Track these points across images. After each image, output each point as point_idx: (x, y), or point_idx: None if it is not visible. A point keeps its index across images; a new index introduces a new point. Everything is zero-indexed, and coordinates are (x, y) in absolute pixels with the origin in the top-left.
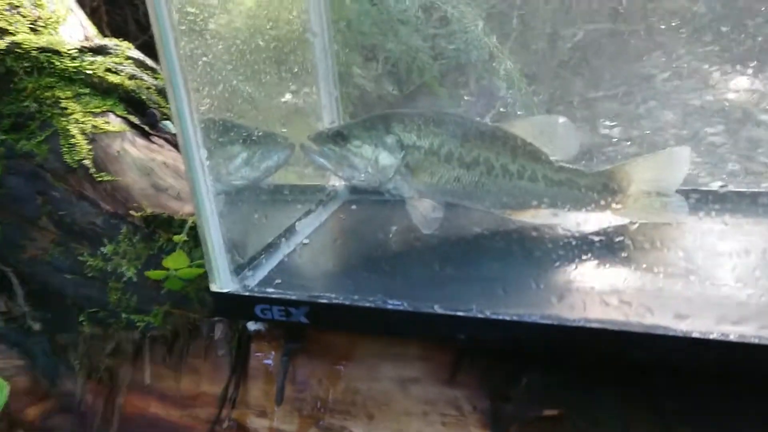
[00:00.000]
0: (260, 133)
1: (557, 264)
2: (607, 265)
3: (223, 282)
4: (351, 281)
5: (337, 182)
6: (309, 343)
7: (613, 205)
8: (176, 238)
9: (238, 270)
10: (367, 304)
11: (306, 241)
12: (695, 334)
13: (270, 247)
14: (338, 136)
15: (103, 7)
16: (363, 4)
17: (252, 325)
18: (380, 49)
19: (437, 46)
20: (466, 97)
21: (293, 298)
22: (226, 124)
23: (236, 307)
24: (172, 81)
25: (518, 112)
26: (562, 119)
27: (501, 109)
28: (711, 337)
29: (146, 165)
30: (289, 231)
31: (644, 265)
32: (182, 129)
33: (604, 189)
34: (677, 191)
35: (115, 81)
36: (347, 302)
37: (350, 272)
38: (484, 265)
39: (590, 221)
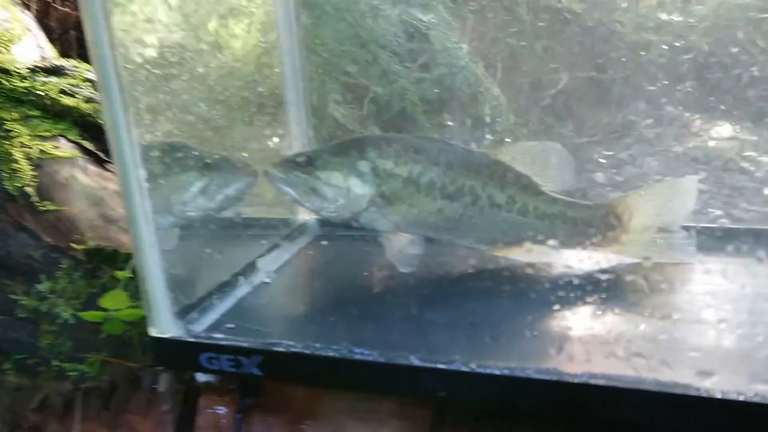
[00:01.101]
0: (218, 159)
1: (552, 308)
2: (612, 310)
3: (163, 326)
4: (315, 326)
5: (307, 215)
6: (267, 397)
7: (613, 242)
8: (119, 274)
9: (182, 312)
10: (331, 354)
11: (268, 280)
12: (723, 395)
13: (225, 287)
14: (306, 163)
15: (73, 33)
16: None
17: (201, 377)
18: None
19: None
20: (449, 123)
21: (245, 345)
22: (178, 148)
23: (179, 355)
24: (106, 91)
25: (506, 140)
26: (556, 146)
27: (488, 136)
28: (742, 398)
29: (96, 194)
30: (249, 269)
31: (653, 310)
32: (116, 145)
33: (602, 223)
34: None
35: (69, 104)
36: (307, 351)
37: (315, 316)
38: (468, 309)
39: (587, 259)
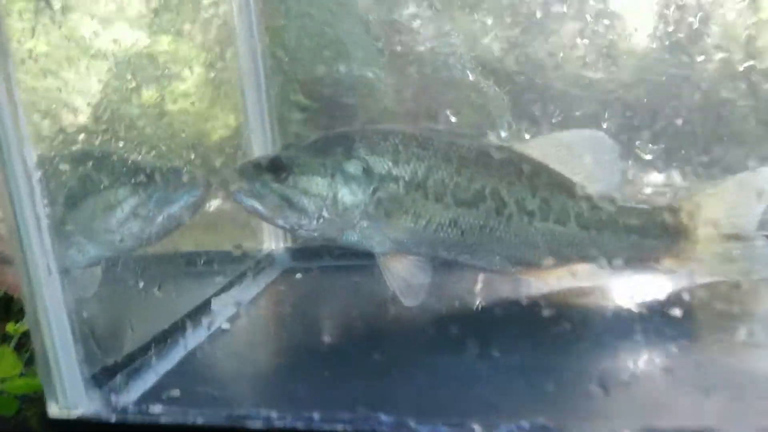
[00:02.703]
0: (156, 170)
1: (622, 363)
2: (694, 356)
3: (70, 400)
4: (298, 389)
5: (274, 243)
6: None
7: (678, 257)
8: (11, 327)
9: (101, 377)
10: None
11: (226, 326)
12: None
13: (167, 338)
14: (276, 167)
15: None
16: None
17: None
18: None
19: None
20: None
21: (196, 421)
22: (100, 158)
23: None
24: None
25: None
26: (598, 134)
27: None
28: None
29: None
30: (200, 313)
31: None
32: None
33: (663, 232)
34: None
35: None
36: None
37: (288, 374)
38: (491, 358)
39: (644, 281)
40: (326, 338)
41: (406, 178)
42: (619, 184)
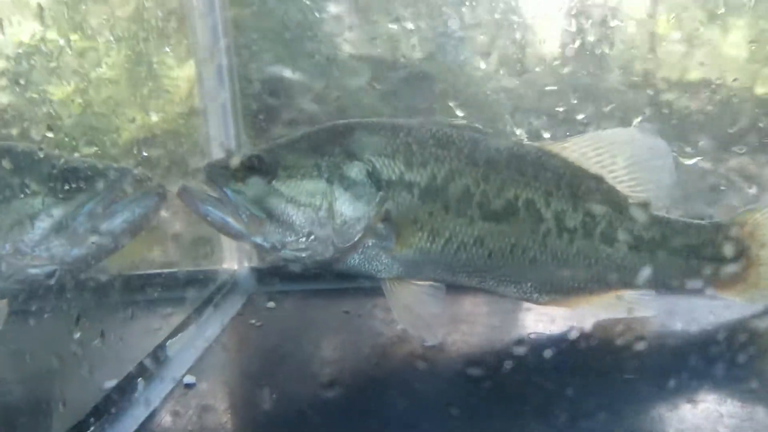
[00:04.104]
0: (92, 170)
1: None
2: None
3: None
4: None
5: (236, 264)
6: None
7: (737, 281)
8: None
9: None
10: None
11: (190, 380)
12: None
13: (109, 408)
14: (255, 169)
15: None
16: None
17: None
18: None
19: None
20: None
21: None
22: (17, 155)
23: None
24: None
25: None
26: (647, 135)
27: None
28: None
29: None
30: (154, 361)
31: None
32: None
33: (721, 253)
34: None
35: None
36: None
37: None
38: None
39: (704, 312)
40: (324, 394)
41: (422, 185)
42: (671, 194)
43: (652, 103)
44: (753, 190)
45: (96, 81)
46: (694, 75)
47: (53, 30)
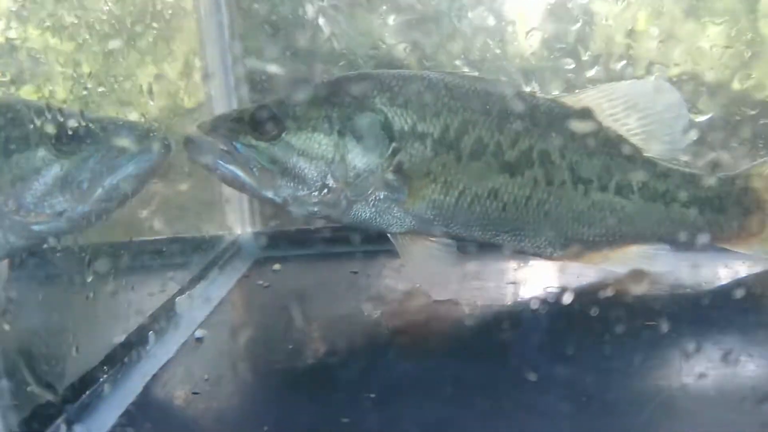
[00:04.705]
0: (95, 123)
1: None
2: None
3: None
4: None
5: (240, 228)
6: None
7: (750, 234)
8: None
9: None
10: None
11: (200, 334)
12: None
13: (123, 358)
14: (264, 121)
15: None
16: None
17: None
18: None
19: None
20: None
21: None
22: (11, 107)
23: None
24: None
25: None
26: (661, 84)
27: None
28: None
29: None
30: (163, 318)
31: None
32: None
33: (741, 205)
34: None
35: None
36: None
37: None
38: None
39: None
40: (331, 359)
41: (435, 136)
42: (685, 144)
43: None
44: None
45: None
46: None
47: None
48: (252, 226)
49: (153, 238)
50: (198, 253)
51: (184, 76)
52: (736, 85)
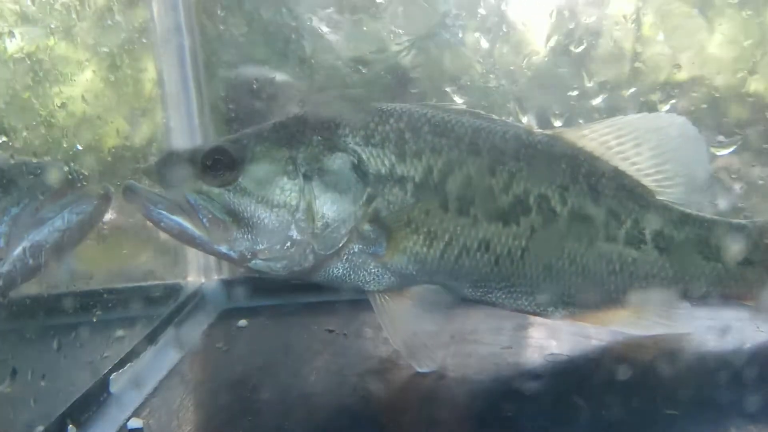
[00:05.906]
0: (16, 169)
1: None
2: None
3: None
4: None
5: (203, 277)
6: None
7: None
8: None
9: None
10: None
11: (136, 424)
12: None
13: None
14: (217, 163)
15: None
16: None
17: None
18: None
19: None
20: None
21: None
22: None
23: None
24: None
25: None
26: (677, 119)
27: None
28: None
29: None
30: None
31: None
32: None
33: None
34: None
35: None
36: None
37: None
38: None
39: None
40: None
41: (417, 180)
42: (705, 185)
43: None
44: None
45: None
46: None
47: None
48: (218, 272)
49: (97, 287)
50: (152, 306)
51: (136, 105)
52: None
